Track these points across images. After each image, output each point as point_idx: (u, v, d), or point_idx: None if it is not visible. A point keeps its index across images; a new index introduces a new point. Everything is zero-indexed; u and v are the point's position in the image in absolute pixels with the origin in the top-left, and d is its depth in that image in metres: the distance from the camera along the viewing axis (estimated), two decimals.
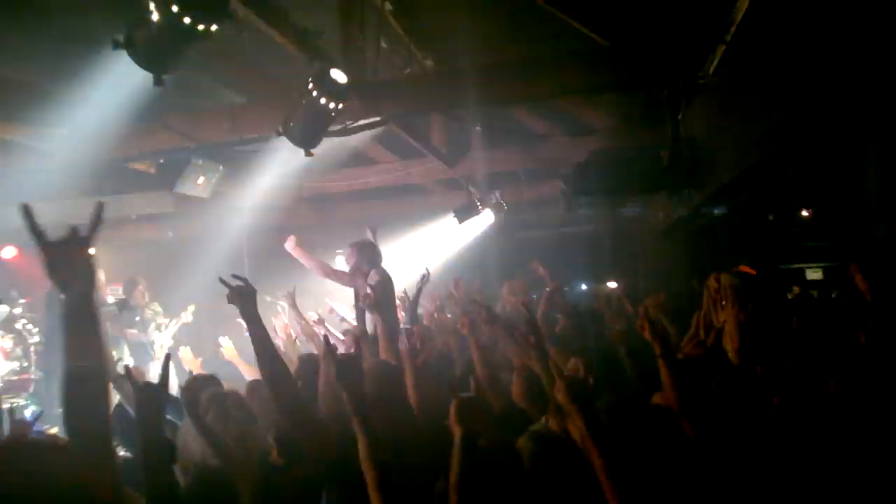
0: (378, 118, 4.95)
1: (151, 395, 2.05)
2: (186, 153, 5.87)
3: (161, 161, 6.09)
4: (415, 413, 3.03)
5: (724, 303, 3.43)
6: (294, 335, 4.98)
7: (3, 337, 6.57)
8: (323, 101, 4.04)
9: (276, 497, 2.48)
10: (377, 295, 4.44)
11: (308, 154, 4.32)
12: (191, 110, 5.35)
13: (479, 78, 4.55)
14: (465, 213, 7.97)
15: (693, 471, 2.42)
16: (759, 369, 3.02)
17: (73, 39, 3.52)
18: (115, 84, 4.09)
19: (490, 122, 6.80)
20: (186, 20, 2.87)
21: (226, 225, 8.04)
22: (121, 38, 3.00)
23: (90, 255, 1.70)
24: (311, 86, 4.02)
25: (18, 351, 6.66)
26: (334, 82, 4.06)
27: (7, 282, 7.20)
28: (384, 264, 5.66)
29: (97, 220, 1.73)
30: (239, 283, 2.80)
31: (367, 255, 5.61)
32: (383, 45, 4.77)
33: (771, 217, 9.93)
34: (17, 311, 6.82)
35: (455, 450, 2.08)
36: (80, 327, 1.70)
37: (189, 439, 2.66)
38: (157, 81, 3.13)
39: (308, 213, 9.39)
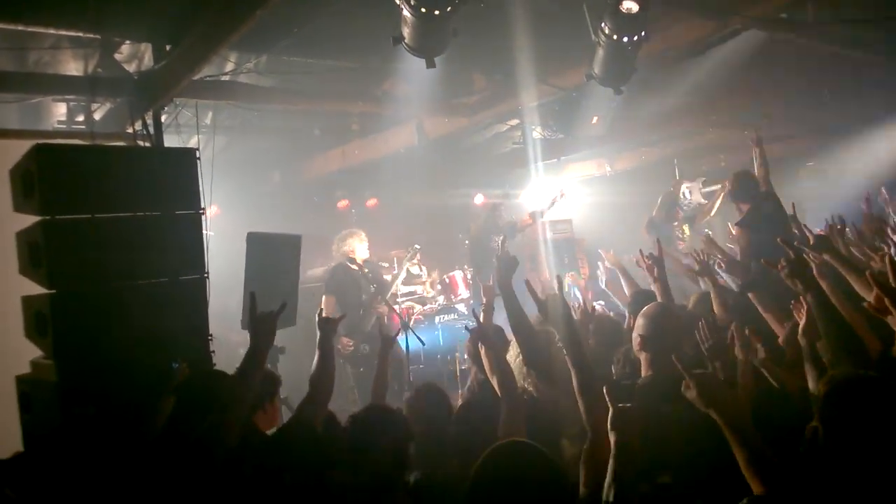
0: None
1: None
2: None
3: None
4: None
5: None
6: None
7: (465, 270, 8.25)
8: (616, 36, 3.90)
9: None
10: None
11: (618, 92, 4.23)
12: None
13: None
14: None
15: None
16: None
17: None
18: None
19: None
20: (423, 9, 3.28)
21: None
22: (395, 35, 3.59)
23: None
24: (602, 24, 3.93)
25: None
26: (627, 14, 3.88)
27: None
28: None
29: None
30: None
31: (734, 189, 5.11)
32: None
33: None
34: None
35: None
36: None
37: None
38: (430, 64, 3.64)
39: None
